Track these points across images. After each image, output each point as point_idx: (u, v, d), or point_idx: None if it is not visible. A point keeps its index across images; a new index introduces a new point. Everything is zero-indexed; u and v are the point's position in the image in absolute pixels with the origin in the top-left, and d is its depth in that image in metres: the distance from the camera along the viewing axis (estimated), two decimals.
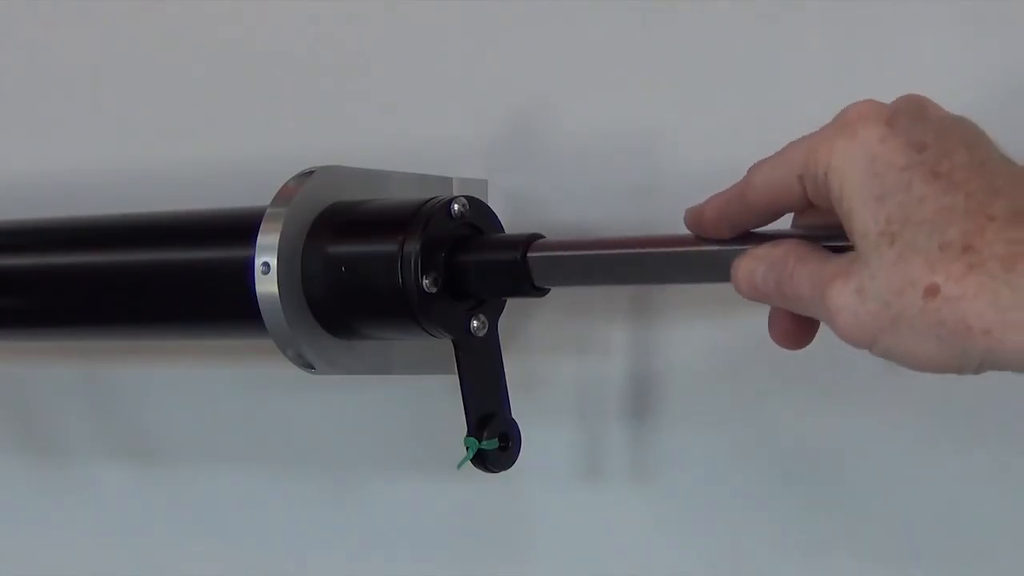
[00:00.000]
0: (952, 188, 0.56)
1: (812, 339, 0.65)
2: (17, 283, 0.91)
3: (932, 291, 0.55)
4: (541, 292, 0.74)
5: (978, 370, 0.57)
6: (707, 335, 0.82)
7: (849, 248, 0.59)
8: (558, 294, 0.75)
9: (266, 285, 0.76)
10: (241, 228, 0.78)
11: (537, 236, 0.74)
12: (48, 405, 1.07)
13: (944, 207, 0.56)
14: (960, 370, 0.57)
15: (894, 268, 0.56)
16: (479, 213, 0.76)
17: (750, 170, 0.64)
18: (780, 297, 0.62)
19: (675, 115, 0.82)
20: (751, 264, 0.63)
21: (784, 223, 0.66)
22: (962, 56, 0.75)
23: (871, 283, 0.57)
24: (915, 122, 0.58)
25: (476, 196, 0.77)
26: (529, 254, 0.73)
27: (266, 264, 0.76)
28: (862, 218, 0.57)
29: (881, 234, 0.57)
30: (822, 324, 0.65)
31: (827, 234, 0.62)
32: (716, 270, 0.66)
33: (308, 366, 0.78)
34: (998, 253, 0.55)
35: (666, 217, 0.79)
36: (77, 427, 1.06)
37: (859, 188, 0.58)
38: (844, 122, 0.59)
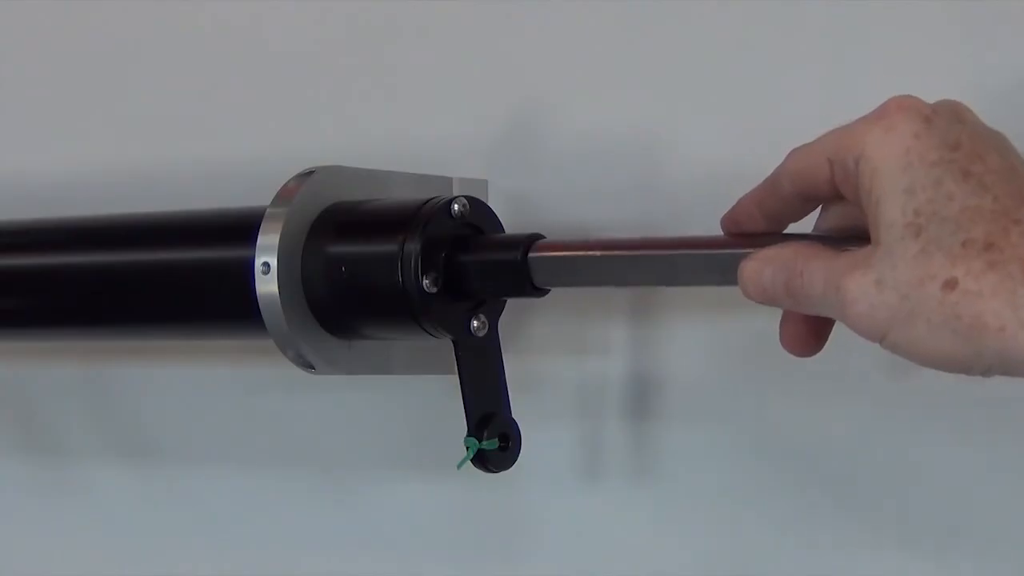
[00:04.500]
0: (981, 190, 0.57)
1: (823, 345, 0.65)
2: (17, 283, 0.91)
3: (951, 285, 0.56)
4: (541, 292, 0.74)
5: (986, 372, 0.57)
6: (707, 335, 0.82)
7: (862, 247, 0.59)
8: (558, 294, 0.75)
9: (266, 285, 0.76)
10: (241, 228, 0.78)
11: (537, 236, 0.74)
12: (48, 405, 1.07)
13: (971, 207, 0.56)
14: (969, 369, 0.57)
15: (916, 261, 0.57)
16: (479, 213, 0.76)
17: (787, 155, 0.64)
18: (789, 297, 0.62)
19: (675, 115, 0.82)
20: (758, 266, 0.63)
21: (807, 225, 0.66)
22: (961, 57, 0.75)
23: (891, 273, 0.57)
24: (952, 122, 0.59)
25: (476, 196, 0.77)
26: (529, 254, 0.73)
27: (266, 264, 0.76)
28: (890, 209, 0.58)
29: (907, 226, 0.57)
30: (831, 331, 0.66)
31: (842, 236, 0.63)
32: (721, 273, 0.66)
33: (308, 366, 0.78)
34: (1020, 255, 0.55)
35: (666, 217, 0.80)
36: (77, 427, 1.06)
37: (890, 179, 0.58)
38: (883, 113, 0.60)
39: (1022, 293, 0.55)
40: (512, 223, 0.79)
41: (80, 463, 1.06)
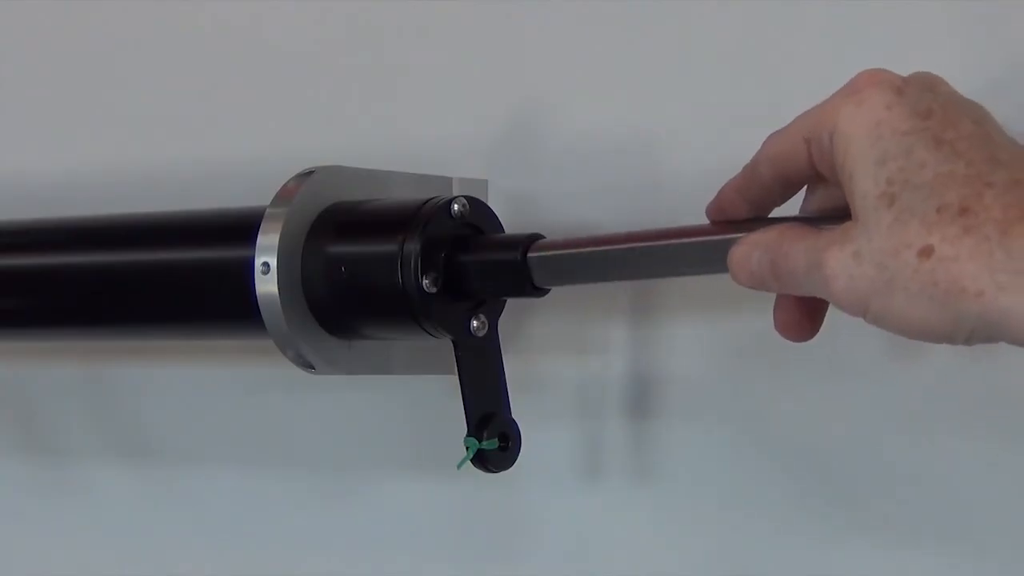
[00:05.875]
0: (954, 156, 0.57)
1: (817, 330, 0.65)
2: (17, 283, 0.91)
3: (927, 252, 0.56)
4: (541, 292, 0.74)
5: (968, 339, 0.56)
6: (707, 334, 0.82)
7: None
8: (558, 294, 0.75)
9: (266, 285, 0.76)
10: (241, 228, 0.78)
11: (537, 236, 0.74)
12: (48, 405, 1.07)
13: (944, 173, 0.56)
14: (952, 336, 0.56)
15: (890, 230, 0.56)
16: (479, 213, 0.76)
17: (764, 140, 0.64)
18: (775, 279, 0.62)
19: (675, 115, 0.82)
20: (745, 251, 0.63)
21: (793, 207, 0.66)
22: (962, 55, 0.75)
23: (868, 245, 0.57)
24: (923, 92, 0.59)
25: (476, 196, 0.77)
26: (529, 254, 0.73)
27: (266, 264, 0.76)
28: (862, 180, 0.58)
29: (880, 196, 0.57)
30: (824, 321, 0.66)
31: (826, 217, 0.63)
32: (714, 261, 0.66)
33: (308, 366, 0.78)
34: (995, 217, 0.55)
35: (666, 217, 0.79)
36: (77, 427, 1.06)
37: (861, 151, 0.58)
38: (854, 87, 0.60)
39: (999, 256, 0.54)
40: (512, 223, 0.79)
41: (80, 463, 1.06)
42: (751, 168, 0.65)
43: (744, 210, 0.66)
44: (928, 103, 0.58)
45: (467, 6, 0.88)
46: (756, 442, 0.82)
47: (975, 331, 0.56)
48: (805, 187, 0.66)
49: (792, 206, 0.67)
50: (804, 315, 0.65)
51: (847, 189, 0.59)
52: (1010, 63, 0.74)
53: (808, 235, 0.60)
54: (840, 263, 0.58)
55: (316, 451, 0.97)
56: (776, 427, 0.82)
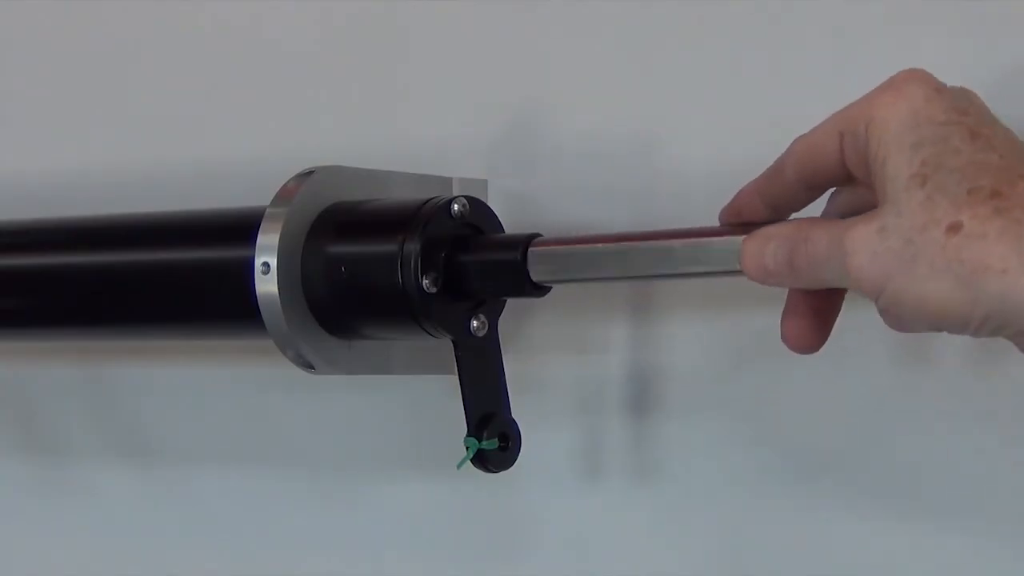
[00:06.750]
0: (988, 148, 0.57)
1: (825, 339, 0.65)
2: (17, 283, 0.91)
3: (955, 228, 0.56)
4: (541, 292, 0.74)
5: (982, 323, 0.56)
6: (707, 333, 0.82)
7: None
8: (558, 294, 0.75)
9: (266, 285, 0.76)
10: (241, 228, 0.78)
11: (537, 236, 0.74)
12: (48, 405, 1.07)
13: (978, 161, 0.57)
14: (966, 320, 0.57)
15: (921, 207, 0.57)
16: (479, 213, 0.76)
17: (793, 141, 0.64)
18: (791, 269, 0.62)
19: (674, 116, 0.82)
20: (759, 242, 0.63)
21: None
22: (963, 56, 0.75)
23: (895, 221, 0.57)
24: (961, 94, 0.60)
25: (476, 196, 0.77)
26: (529, 253, 0.73)
27: (266, 264, 0.76)
28: (896, 164, 0.58)
29: (912, 176, 0.57)
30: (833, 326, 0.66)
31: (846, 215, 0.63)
32: (719, 263, 0.65)
33: (308, 366, 0.78)
34: None
35: (666, 217, 0.80)
36: (77, 427, 1.06)
37: (897, 136, 0.58)
38: (892, 82, 0.60)
39: None
40: (512, 223, 0.79)
41: (80, 463, 1.06)
42: (776, 169, 0.65)
43: (762, 212, 0.66)
44: (965, 103, 0.59)
45: (467, 6, 0.88)
46: (756, 441, 0.82)
47: (990, 315, 0.56)
48: (828, 193, 0.66)
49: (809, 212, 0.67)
50: (813, 326, 0.65)
51: (878, 176, 0.59)
52: (1011, 66, 0.74)
53: (829, 223, 0.61)
54: (863, 239, 0.58)
55: (316, 451, 0.97)
56: (776, 426, 0.82)
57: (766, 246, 0.62)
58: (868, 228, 0.58)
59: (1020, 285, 0.55)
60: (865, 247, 0.58)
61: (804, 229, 0.61)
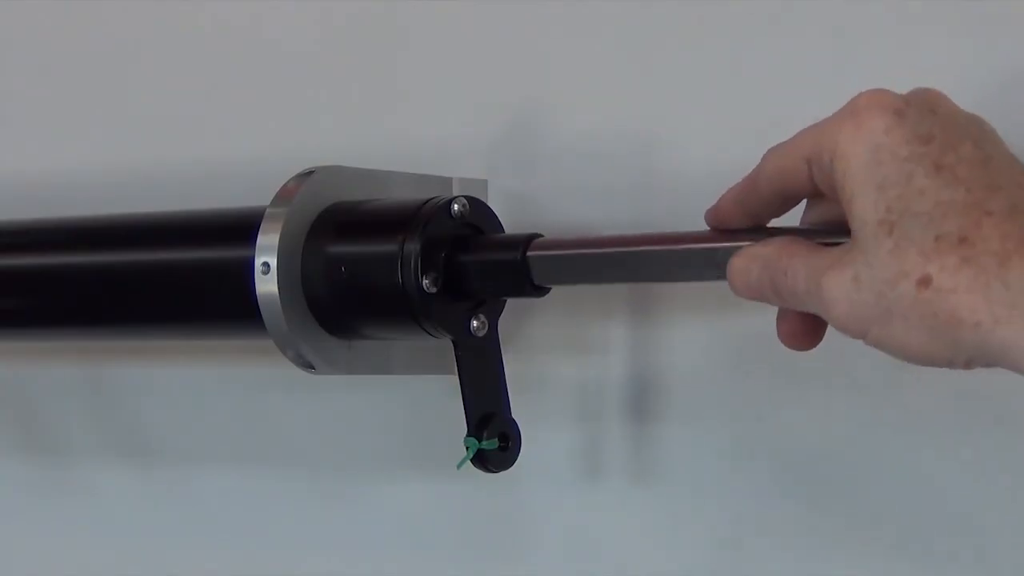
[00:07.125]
0: (953, 182, 0.57)
1: (820, 338, 0.65)
2: (17, 283, 0.91)
3: (925, 282, 0.56)
4: (541, 292, 0.74)
5: (967, 364, 0.57)
6: (707, 335, 0.82)
7: (843, 243, 0.59)
8: (558, 294, 0.75)
9: (266, 285, 0.76)
10: (241, 228, 0.78)
11: (537, 236, 0.74)
12: (48, 405, 1.07)
13: (943, 200, 0.56)
14: (950, 363, 0.57)
15: (890, 257, 0.57)
16: (479, 213, 0.76)
17: (764, 155, 0.64)
18: (775, 295, 0.62)
19: (674, 115, 0.82)
20: (745, 264, 0.63)
21: (794, 219, 0.66)
22: (963, 56, 0.75)
23: (867, 271, 0.57)
24: (924, 114, 0.59)
25: (476, 196, 0.77)
26: (529, 254, 0.73)
27: (266, 264, 0.76)
28: (862, 206, 0.58)
29: (880, 223, 0.57)
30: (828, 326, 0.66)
31: (826, 230, 0.63)
32: (714, 267, 0.66)
33: (308, 366, 0.78)
34: (993, 248, 0.55)
35: (665, 217, 0.80)
36: (77, 427, 1.06)
37: (861, 176, 0.58)
38: (853, 109, 0.59)
39: (996, 287, 0.55)
40: (512, 223, 0.79)
41: (80, 463, 1.06)
42: (751, 181, 0.65)
43: (742, 221, 0.66)
44: (928, 127, 0.58)
45: (467, 6, 0.88)
46: (755, 442, 0.82)
47: (973, 358, 0.56)
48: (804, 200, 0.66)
49: (791, 218, 0.67)
50: (806, 326, 0.65)
51: (847, 209, 0.59)
52: (1011, 67, 0.74)
53: (807, 253, 0.61)
54: (841, 288, 0.58)
55: (316, 451, 0.97)
56: (775, 427, 0.82)
57: (751, 268, 0.63)
58: (843, 276, 0.58)
59: (995, 336, 0.55)
60: (843, 295, 0.58)
61: (784, 259, 0.61)
